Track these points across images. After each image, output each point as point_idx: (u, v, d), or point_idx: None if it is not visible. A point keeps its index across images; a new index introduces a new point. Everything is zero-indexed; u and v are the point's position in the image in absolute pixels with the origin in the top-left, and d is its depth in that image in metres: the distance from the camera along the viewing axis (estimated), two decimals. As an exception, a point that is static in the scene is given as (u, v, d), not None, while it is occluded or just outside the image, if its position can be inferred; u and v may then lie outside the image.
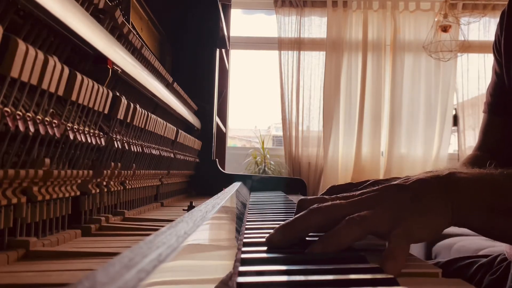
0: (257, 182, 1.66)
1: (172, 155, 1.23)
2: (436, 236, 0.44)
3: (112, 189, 0.81)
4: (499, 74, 0.87)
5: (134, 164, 0.92)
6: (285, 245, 0.45)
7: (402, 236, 0.41)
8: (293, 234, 0.45)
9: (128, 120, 0.82)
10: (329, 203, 0.47)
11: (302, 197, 0.61)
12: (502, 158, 0.80)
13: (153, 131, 1.00)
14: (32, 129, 0.50)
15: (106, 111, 0.71)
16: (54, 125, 0.55)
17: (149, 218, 0.88)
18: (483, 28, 3.76)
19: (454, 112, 3.73)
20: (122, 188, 0.86)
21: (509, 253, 0.81)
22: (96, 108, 0.67)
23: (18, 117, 0.48)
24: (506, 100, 0.84)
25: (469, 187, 0.47)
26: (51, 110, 0.56)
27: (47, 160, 0.55)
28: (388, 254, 0.39)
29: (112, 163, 0.79)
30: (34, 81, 0.50)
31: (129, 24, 0.96)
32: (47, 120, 0.54)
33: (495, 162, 0.74)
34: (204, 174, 1.67)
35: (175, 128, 1.22)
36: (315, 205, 0.47)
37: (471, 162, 0.88)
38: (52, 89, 0.54)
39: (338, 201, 0.48)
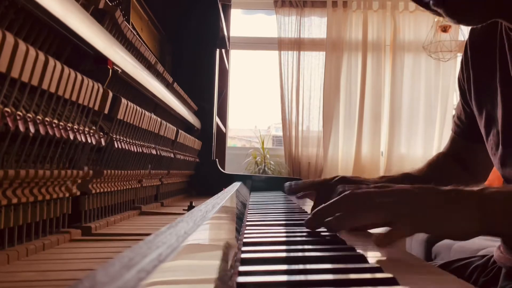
0: (257, 182, 1.66)
1: (172, 155, 1.23)
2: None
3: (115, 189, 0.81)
4: (465, 107, 0.90)
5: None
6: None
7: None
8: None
9: (128, 120, 0.82)
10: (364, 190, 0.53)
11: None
12: (465, 165, 0.93)
13: (153, 131, 1.00)
14: (32, 129, 0.50)
15: (106, 111, 0.71)
16: (54, 125, 0.55)
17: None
18: (483, 28, 3.75)
19: (454, 112, 3.72)
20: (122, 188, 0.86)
21: (497, 258, 0.81)
22: (96, 108, 0.67)
23: (18, 117, 0.48)
24: (471, 129, 0.88)
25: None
26: (51, 110, 0.56)
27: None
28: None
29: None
30: (34, 81, 0.50)
31: (129, 24, 0.96)
32: (47, 120, 0.54)
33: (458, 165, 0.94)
34: (204, 174, 1.67)
35: (175, 128, 1.22)
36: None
37: (434, 162, 0.99)
38: (52, 89, 0.54)
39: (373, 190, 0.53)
